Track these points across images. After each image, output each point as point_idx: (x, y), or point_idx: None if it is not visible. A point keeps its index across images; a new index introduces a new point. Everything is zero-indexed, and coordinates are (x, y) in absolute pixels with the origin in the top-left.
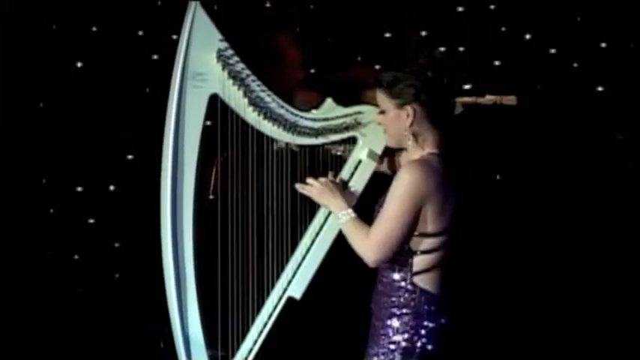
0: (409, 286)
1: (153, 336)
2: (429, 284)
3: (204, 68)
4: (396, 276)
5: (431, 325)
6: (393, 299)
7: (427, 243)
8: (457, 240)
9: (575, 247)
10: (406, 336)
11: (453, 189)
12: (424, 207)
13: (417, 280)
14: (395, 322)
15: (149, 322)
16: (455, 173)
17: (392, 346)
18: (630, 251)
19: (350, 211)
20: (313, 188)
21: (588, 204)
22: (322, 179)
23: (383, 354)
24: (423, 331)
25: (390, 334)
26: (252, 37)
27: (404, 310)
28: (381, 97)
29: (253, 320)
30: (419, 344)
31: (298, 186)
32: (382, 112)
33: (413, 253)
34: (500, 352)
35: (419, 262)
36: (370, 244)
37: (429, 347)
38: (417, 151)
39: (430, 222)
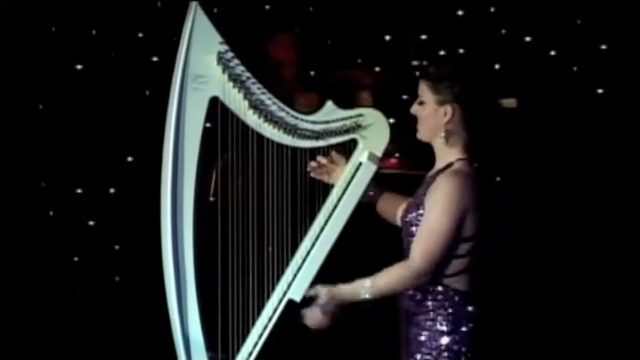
0: (441, 288)
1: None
2: (459, 283)
3: (204, 71)
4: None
5: (470, 323)
6: (429, 303)
7: (460, 248)
8: (485, 243)
9: (575, 248)
10: (449, 337)
11: (480, 194)
12: (467, 215)
13: (447, 281)
14: (437, 326)
15: (149, 323)
16: (480, 177)
17: (438, 350)
18: (630, 252)
19: (365, 280)
20: (322, 311)
21: (588, 206)
22: (322, 294)
23: (432, 357)
24: (464, 329)
25: (434, 336)
26: (251, 39)
27: (440, 312)
28: (424, 88)
29: (253, 323)
30: (463, 345)
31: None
32: (421, 104)
33: (445, 257)
34: (500, 352)
35: (452, 265)
36: (419, 263)
37: (473, 335)
38: (445, 150)
39: (463, 228)
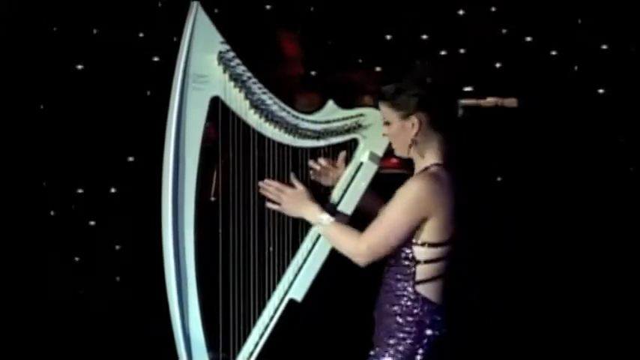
0: (412, 295)
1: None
2: (432, 294)
3: (205, 70)
4: (399, 284)
5: (434, 334)
6: (396, 307)
7: (431, 253)
8: (463, 248)
9: (576, 249)
10: (408, 346)
11: (458, 199)
12: (428, 220)
13: (419, 289)
14: (398, 332)
15: (150, 323)
16: (459, 181)
17: (395, 356)
18: (631, 253)
19: (327, 215)
20: (282, 203)
21: (589, 206)
22: (289, 189)
23: None
24: (425, 341)
25: (393, 343)
26: (253, 38)
27: (407, 319)
28: (385, 109)
29: (255, 322)
30: (420, 351)
31: (269, 204)
32: (387, 124)
33: (417, 262)
34: (501, 356)
35: (422, 271)
36: (363, 247)
37: (431, 357)
38: (422, 158)
39: (435, 233)
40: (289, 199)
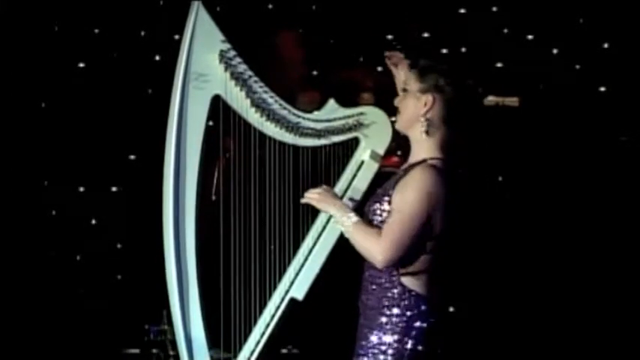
0: (397, 286)
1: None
2: (418, 285)
3: (206, 69)
4: (384, 275)
5: (421, 325)
6: (382, 299)
7: (423, 245)
8: (453, 243)
9: (577, 247)
10: (396, 337)
11: (451, 195)
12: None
13: (405, 280)
14: (384, 323)
15: (150, 323)
16: (456, 178)
17: (382, 347)
18: (633, 252)
19: (353, 214)
20: (313, 195)
21: (591, 205)
22: (323, 186)
23: (373, 355)
24: (413, 332)
25: (380, 334)
26: (254, 37)
27: (393, 311)
28: (410, 77)
29: (256, 321)
30: (409, 345)
31: (302, 199)
32: (404, 90)
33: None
34: (497, 352)
35: (408, 263)
36: (384, 246)
37: (420, 348)
38: (421, 144)
39: (427, 227)
40: (323, 193)
